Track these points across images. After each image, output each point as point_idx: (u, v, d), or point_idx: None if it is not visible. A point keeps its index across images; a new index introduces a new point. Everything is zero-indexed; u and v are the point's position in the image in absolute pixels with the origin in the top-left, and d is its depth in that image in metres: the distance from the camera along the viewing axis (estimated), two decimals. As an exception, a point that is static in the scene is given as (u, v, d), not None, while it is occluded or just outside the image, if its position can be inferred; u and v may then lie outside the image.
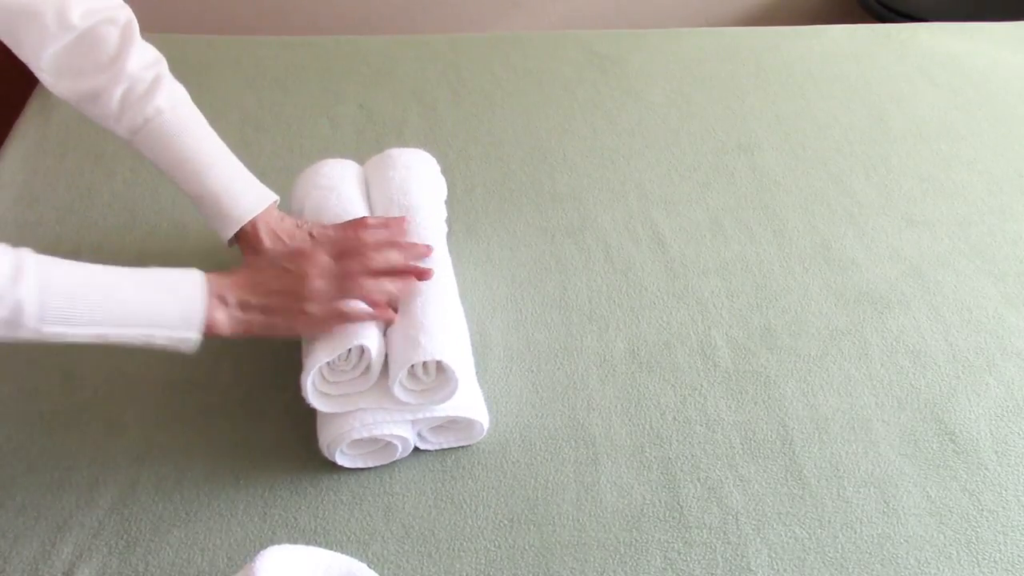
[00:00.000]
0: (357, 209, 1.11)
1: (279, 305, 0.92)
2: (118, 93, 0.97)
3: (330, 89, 1.54)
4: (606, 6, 2.47)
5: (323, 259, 0.95)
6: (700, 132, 1.45)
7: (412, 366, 0.92)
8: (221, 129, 1.43)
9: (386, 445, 0.95)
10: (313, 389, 0.93)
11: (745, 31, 1.73)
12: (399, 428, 0.94)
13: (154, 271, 0.86)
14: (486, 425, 0.98)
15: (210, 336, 0.88)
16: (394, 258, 0.98)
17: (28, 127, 1.43)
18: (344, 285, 0.94)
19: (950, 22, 1.79)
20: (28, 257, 0.78)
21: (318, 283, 0.93)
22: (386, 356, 0.95)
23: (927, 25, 1.78)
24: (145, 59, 0.99)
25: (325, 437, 0.94)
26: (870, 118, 1.49)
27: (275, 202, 1.05)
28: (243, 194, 1.02)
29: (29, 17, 0.94)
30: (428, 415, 0.94)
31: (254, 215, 1.01)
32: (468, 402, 0.96)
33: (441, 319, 0.97)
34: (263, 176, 1.33)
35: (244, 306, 0.90)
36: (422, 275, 0.99)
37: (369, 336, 0.93)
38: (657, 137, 1.44)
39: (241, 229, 1.01)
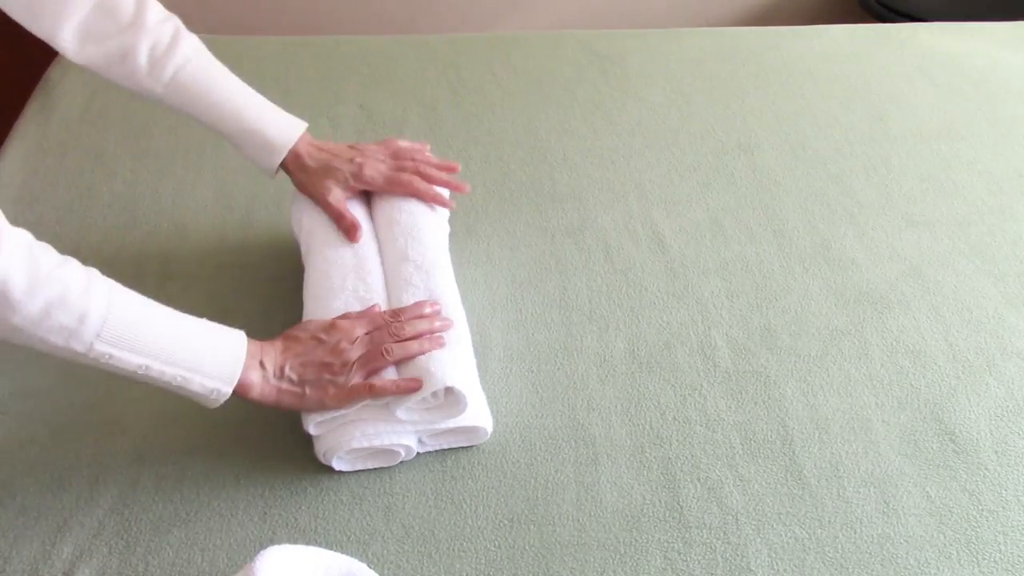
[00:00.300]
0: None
1: (312, 378, 0.92)
2: (144, 49, 1.02)
3: (330, 89, 1.54)
4: (606, 6, 2.47)
5: (356, 331, 0.96)
6: (700, 132, 1.45)
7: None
8: (221, 129, 1.44)
9: (387, 449, 0.95)
10: (311, 420, 0.94)
11: (745, 31, 1.73)
12: (403, 437, 0.94)
13: (204, 321, 0.89)
14: (490, 430, 0.98)
15: (241, 396, 0.90)
16: (422, 327, 0.98)
17: (28, 127, 1.43)
18: (372, 358, 0.94)
19: (950, 22, 1.79)
20: (98, 275, 0.82)
21: (350, 355, 0.94)
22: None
23: (927, 25, 1.78)
24: (160, 14, 1.04)
25: (322, 446, 0.94)
26: (870, 118, 1.49)
27: (306, 128, 1.13)
28: (280, 122, 1.10)
29: None
30: (432, 427, 0.94)
31: (295, 139, 1.10)
32: (472, 410, 0.96)
33: (451, 340, 0.97)
34: (263, 175, 1.34)
35: (279, 375, 0.92)
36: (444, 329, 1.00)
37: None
38: (657, 137, 1.44)
39: (287, 155, 1.10)
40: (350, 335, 0.95)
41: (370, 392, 0.92)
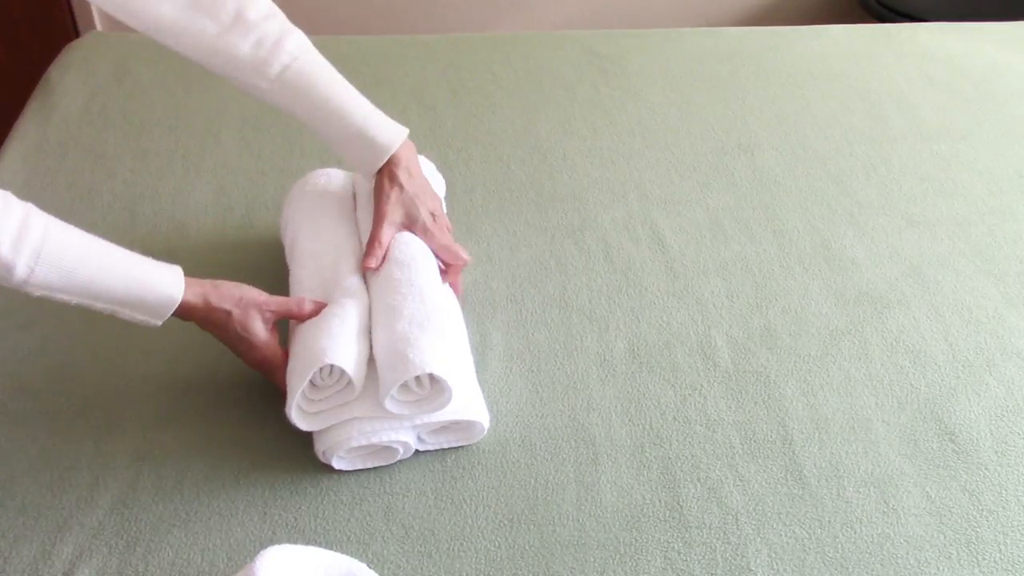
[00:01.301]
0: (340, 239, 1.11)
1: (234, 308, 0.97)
2: (247, 46, 1.00)
3: (330, 89, 1.54)
4: (606, 6, 2.47)
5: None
6: (700, 132, 1.45)
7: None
8: (221, 129, 1.44)
9: (386, 448, 0.95)
10: (299, 412, 0.93)
11: (745, 31, 1.73)
12: (400, 433, 0.94)
13: (137, 263, 0.92)
14: (487, 425, 0.98)
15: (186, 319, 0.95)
16: None
17: (28, 127, 1.43)
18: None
19: (950, 22, 1.79)
20: (34, 223, 0.85)
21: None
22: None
23: (927, 25, 1.78)
24: (263, 9, 1.02)
25: (321, 444, 0.94)
26: (870, 118, 1.49)
27: (408, 133, 1.10)
28: (384, 125, 1.07)
29: None
30: (427, 420, 0.94)
31: (400, 143, 1.07)
32: (468, 404, 0.96)
33: (430, 328, 0.96)
34: (263, 176, 1.34)
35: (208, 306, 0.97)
36: None
37: (341, 354, 0.93)
38: (657, 137, 1.44)
39: (386, 162, 1.07)
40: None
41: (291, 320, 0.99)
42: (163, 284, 0.92)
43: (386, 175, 1.07)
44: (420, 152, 1.15)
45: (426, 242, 1.07)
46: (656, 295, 1.16)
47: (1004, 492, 0.95)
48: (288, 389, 0.94)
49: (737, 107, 1.51)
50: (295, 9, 2.25)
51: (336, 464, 0.94)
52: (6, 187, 1.30)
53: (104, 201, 1.30)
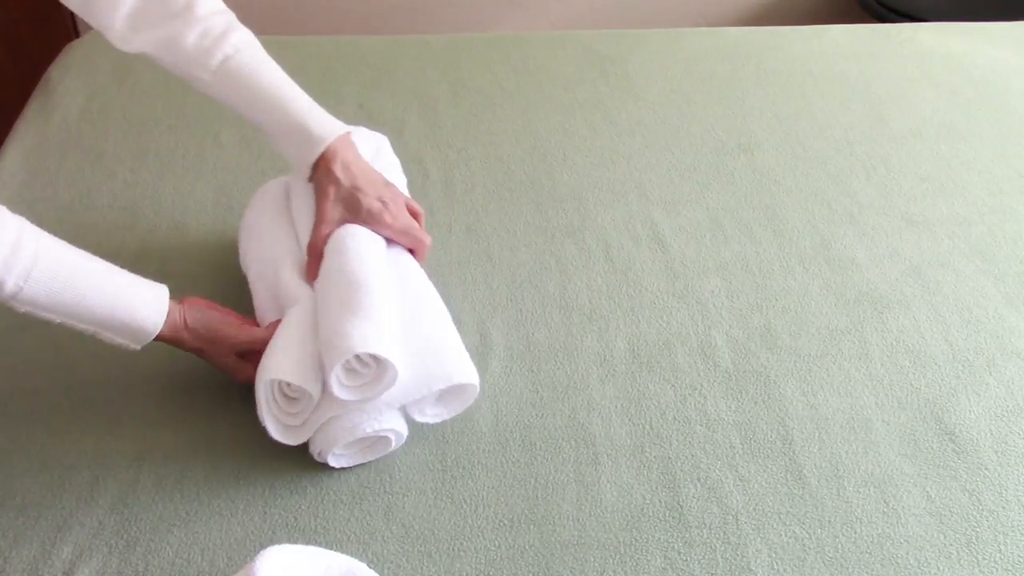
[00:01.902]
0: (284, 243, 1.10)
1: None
2: (192, 36, 1.02)
3: (330, 89, 1.54)
4: (606, 6, 2.47)
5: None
6: (700, 132, 1.45)
7: (348, 361, 0.90)
8: (221, 129, 1.44)
9: (380, 438, 0.95)
10: (285, 430, 0.94)
11: (745, 31, 1.73)
12: (384, 421, 0.93)
13: (124, 286, 0.94)
14: (476, 382, 0.96)
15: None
16: None
17: (28, 127, 1.43)
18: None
19: (950, 22, 1.79)
20: (27, 243, 0.86)
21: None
22: None
23: (927, 25, 1.78)
24: (214, 6, 1.04)
25: (314, 446, 0.94)
26: (870, 118, 1.49)
27: (349, 132, 1.09)
28: (321, 120, 1.07)
29: None
30: (411, 398, 0.93)
31: (336, 136, 1.06)
32: (448, 369, 0.94)
33: (358, 309, 0.94)
34: (263, 176, 1.34)
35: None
36: None
37: (283, 367, 0.92)
38: (657, 137, 1.44)
39: (321, 156, 1.06)
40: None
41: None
42: (143, 315, 0.94)
43: (322, 172, 1.07)
44: (420, 152, 1.15)
45: (376, 231, 1.06)
46: (656, 295, 1.16)
47: (1004, 492, 0.95)
48: (260, 414, 0.94)
49: (737, 107, 1.51)
50: (296, 9, 2.23)
51: (334, 463, 0.94)
52: (6, 187, 1.31)
53: (104, 201, 1.30)
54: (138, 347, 0.95)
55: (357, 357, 0.90)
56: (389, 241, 1.07)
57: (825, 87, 1.56)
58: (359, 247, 1.02)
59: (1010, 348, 1.10)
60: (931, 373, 1.07)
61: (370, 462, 0.96)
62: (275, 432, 0.93)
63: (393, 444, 0.96)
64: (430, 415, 0.97)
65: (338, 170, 1.06)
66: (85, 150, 1.39)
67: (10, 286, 0.85)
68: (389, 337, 0.93)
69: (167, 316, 0.95)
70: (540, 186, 1.34)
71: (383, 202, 1.07)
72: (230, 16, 1.06)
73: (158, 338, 0.95)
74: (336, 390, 0.90)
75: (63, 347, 1.08)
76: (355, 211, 1.06)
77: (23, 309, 0.88)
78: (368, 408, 0.93)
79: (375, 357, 0.91)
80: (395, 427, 0.94)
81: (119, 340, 0.94)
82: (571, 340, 1.10)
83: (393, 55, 1.63)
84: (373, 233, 1.05)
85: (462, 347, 0.99)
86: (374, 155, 1.19)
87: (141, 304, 0.94)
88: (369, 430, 0.93)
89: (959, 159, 1.40)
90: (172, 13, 1.02)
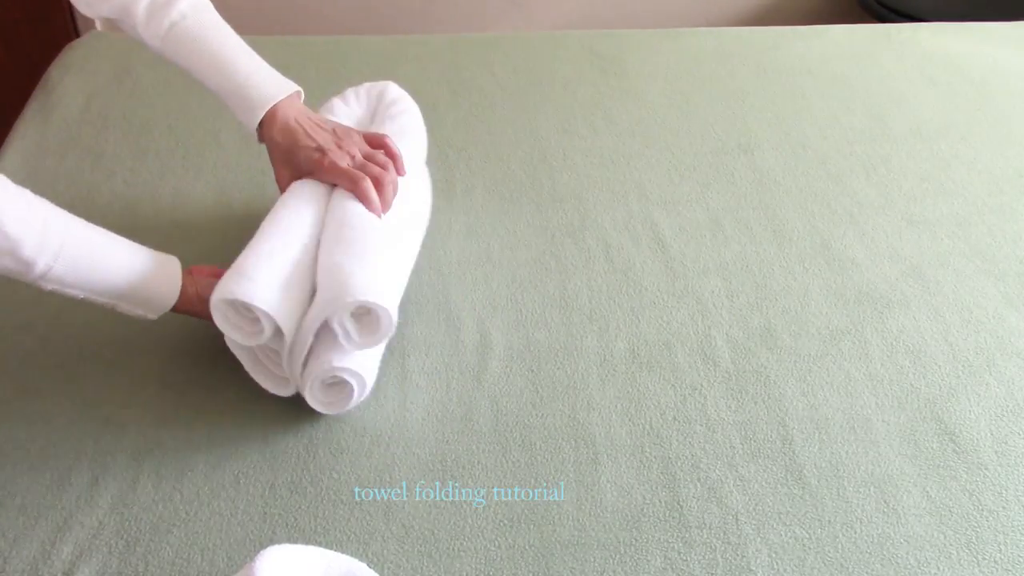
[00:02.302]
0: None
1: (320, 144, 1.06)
2: (144, 3, 1.04)
3: (330, 89, 1.53)
4: (606, 6, 2.47)
5: (359, 137, 1.10)
6: (700, 132, 1.45)
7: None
8: (221, 129, 1.44)
9: (340, 382, 0.98)
10: (274, 380, 1.00)
11: (745, 31, 1.73)
12: (354, 362, 0.96)
13: (143, 260, 0.98)
14: (380, 302, 0.94)
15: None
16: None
17: (28, 127, 1.43)
18: (370, 167, 1.07)
19: (950, 22, 1.79)
20: (54, 222, 0.90)
21: (353, 148, 1.08)
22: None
23: (927, 25, 1.78)
24: None
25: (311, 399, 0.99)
26: (870, 118, 1.49)
27: (298, 92, 1.09)
28: (269, 81, 1.07)
29: None
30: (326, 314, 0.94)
31: (277, 100, 1.06)
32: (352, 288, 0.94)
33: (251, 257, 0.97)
34: (263, 176, 1.34)
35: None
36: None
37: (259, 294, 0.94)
38: (657, 137, 1.44)
39: (265, 117, 1.06)
40: (352, 136, 1.09)
41: (355, 184, 1.03)
42: (160, 286, 0.98)
43: (266, 139, 1.08)
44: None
45: (320, 179, 1.06)
46: (656, 295, 1.16)
47: (1004, 492, 0.95)
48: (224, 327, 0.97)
49: (737, 107, 1.51)
50: (296, 9, 2.23)
51: (318, 406, 0.99)
52: (6, 187, 1.31)
53: (104, 201, 1.30)
54: (155, 317, 0.99)
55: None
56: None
57: (825, 87, 1.56)
58: (284, 200, 1.05)
59: (1010, 348, 1.10)
60: (931, 373, 1.07)
61: (370, 462, 0.96)
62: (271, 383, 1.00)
63: (353, 390, 0.97)
64: (355, 341, 0.96)
65: (277, 134, 1.07)
66: (85, 150, 1.39)
67: (41, 266, 0.89)
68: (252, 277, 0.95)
69: (183, 285, 1.00)
70: (540, 186, 1.34)
71: (322, 150, 1.05)
72: None
73: (175, 309, 1.00)
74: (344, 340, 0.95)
75: (63, 347, 1.08)
76: (297, 168, 1.07)
77: (50, 287, 0.91)
78: (339, 348, 0.95)
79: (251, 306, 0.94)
80: (357, 370, 0.96)
81: (138, 311, 0.98)
82: (571, 340, 1.10)
83: (393, 55, 1.63)
84: (311, 183, 1.07)
85: (377, 270, 0.98)
86: (373, 109, 1.23)
87: (157, 276, 0.98)
88: (338, 364, 0.94)
89: (959, 159, 1.40)
90: None
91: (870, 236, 1.26)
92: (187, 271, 1.02)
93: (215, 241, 1.23)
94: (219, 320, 0.96)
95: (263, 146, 1.10)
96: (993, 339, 1.11)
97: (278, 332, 0.95)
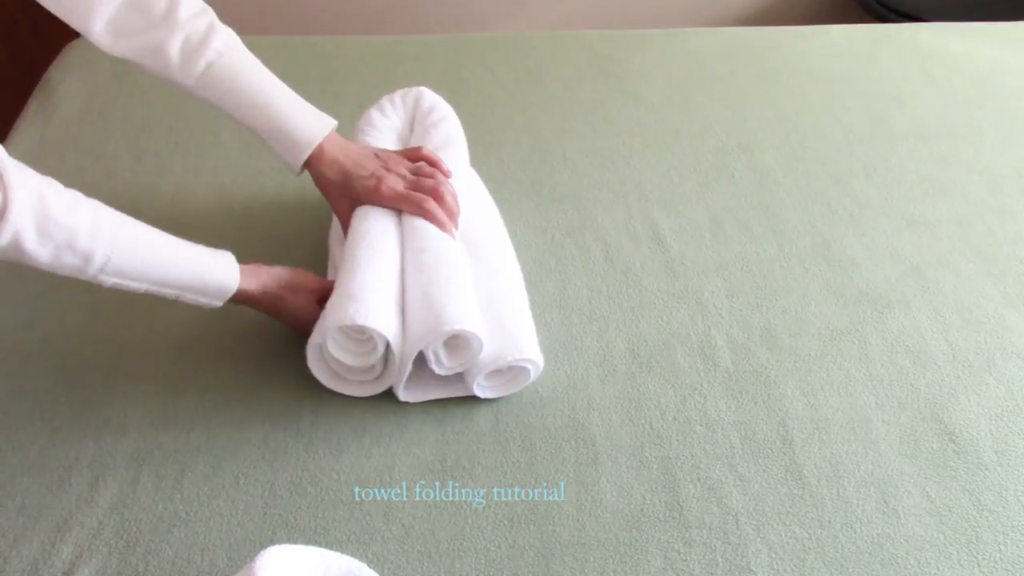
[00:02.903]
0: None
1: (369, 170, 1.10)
2: (176, 44, 1.02)
3: (330, 89, 1.54)
4: (606, 6, 2.47)
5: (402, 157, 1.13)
6: (700, 132, 1.45)
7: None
8: (221, 129, 1.44)
9: (520, 370, 1.01)
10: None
11: (745, 31, 1.73)
12: (528, 351, 1.00)
13: (199, 250, 0.99)
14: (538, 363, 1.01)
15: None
16: (452, 201, 1.12)
17: (28, 127, 1.43)
18: (423, 182, 1.10)
19: (950, 22, 1.79)
20: (105, 213, 0.90)
21: (401, 169, 1.13)
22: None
23: (927, 25, 1.78)
24: (194, 8, 1.04)
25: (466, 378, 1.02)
26: (870, 118, 1.49)
27: (335, 127, 1.12)
28: (309, 120, 1.09)
29: None
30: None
31: (320, 139, 1.09)
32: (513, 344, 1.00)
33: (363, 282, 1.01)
34: (263, 176, 1.34)
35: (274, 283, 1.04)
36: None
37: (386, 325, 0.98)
38: (657, 137, 1.44)
39: (309, 159, 1.09)
40: (396, 157, 1.13)
41: (421, 207, 1.08)
42: (221, 272, 0.99)
43: (316, 176, 1.11)
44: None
45: (383, 206, 1.10)
46: (656, 295, 1.16)
47: (1004, 492, 0.95)
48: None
49: (737, 107, 1.51)
50: (297, 9, 2.23)
51: (479, 393, 1.02)
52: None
53: (104, 201, 1.29)
54: (220, 303, 0.99)
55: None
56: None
57: (825, 87, 1.56)
58: (358, 227, 1.08)
59: (1010, 348, 1.10)
60: (931, 373, 1.07)
61: (370, 462, 0.96)
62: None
63: (532, 375, 1.02)
64: (486, 387, 1.02)
65: (327, 170, 1.09)
66: (85, 150, 1.39)
67: (99, 256, 0.88)
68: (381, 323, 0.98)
69: (243, 274, 1.00)
70: (540, 186, 1.34)
71: (377, 177, 1.09)
72: (210, 16, 1.05)
73: (238, 296, 1.00)
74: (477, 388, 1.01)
75: (63, 347, 1.08)
76: (356, 198, 1.10)
77: (110, 282, 0.91)
78: (510, 339, 1.00)
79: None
80: (534, 358, 1.00)
81: (203, 300, 0.98)
82: (571, 340, 1.10)
83: (393, 55, 1.63)
84: (379, 210, 1.10)
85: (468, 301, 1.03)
86: (411, 118, 1.26)
87: (216, 264, 0.99)
88: (511, 359, 0.98)
89: (959, 159, 1.40)
90: (154, 21, 1.02)
91: (870, 236, 1.26)
92: (256, 266, 1.03)
93: (215, 241, 1.23)
94: (331, 345, 0.98)
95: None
96: (993, 339, 1.11)
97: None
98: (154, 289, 0.94)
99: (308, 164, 1.10)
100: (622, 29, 1.74)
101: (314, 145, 1.08)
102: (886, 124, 1.48)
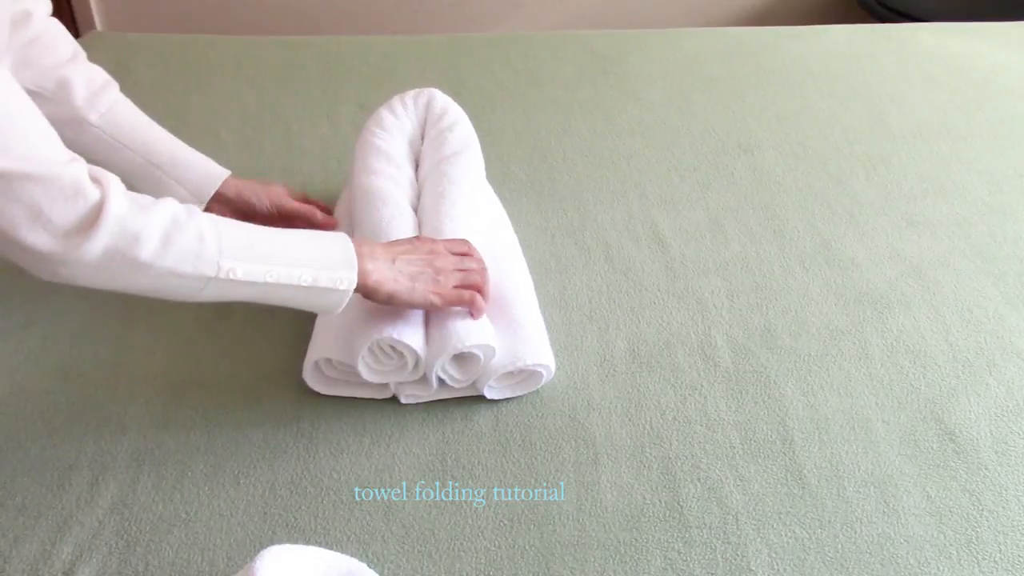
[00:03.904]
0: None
1: (418, 272, 0.97)
2: (82, 81, 1.08)
3: (330, 89, 1.54)
4: (606, 6, 2.47)
5: (440, 248, 1.01)
6: (700, 132, 1.45)
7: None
8: (221, 129, 1.44)
9: (531, 373, 1.02)
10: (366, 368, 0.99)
11: (745, 31, 1.73)
12: (543, 356, 1.01)
13: (302, 230, 0.93)
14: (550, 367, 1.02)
15: (363, 285, 0.92)
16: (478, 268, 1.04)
17: (28, 127, 1.43)
18: (471, 276, 1.00)
19: (950, 22, 1.79)
20: (195, 207, 0.85)
21: (448, 264, 0.99)
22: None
23: (927, 25, 1.79)
24: (82, 52, 1.12)
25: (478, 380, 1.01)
26: (870, 118, 1.49)
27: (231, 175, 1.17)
28: (208, 161, 1.16)
29: None
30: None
31: (222, 179, 1.15)
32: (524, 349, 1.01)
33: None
34: (263, 176, 1.34)
35: (391, 263, 0.95)
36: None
37: (411, 334, 0.98)
38: (657, 137, 1.44)
39: (225, 183, 1.14)
40: (439, 248, 1.01)
41: (471, 302, 0.98)
42: (338, 242, 0.92)
43: (226, 199, 1.15)
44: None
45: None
46: (656, 295, 1.16)
47: (1004, 492, 0.95)
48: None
49: (737, 107, 1.51)
50: (296, 9, 2.23)
51: (489, 394, 1.02)
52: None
53: (104, 201, 1.30)
54: (354, 279, 0.90)
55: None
56: None
57: (825, 87, 1.56)
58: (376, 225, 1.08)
59: (1010, 348, 1.10)
60: (931, 373, 1.07)
61: (370, 462, 0.96)
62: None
63: (544, 378, 1.02)
64: (496, 389, 1.02)
65: (245, 188, 1.16)
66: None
67: (210, 233, 0.83)
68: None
69: (354, 240, 0.93)
70: (540, 186, 1.34)
71: (435, 294, 0.99)
72: (99, 68, 1.13)
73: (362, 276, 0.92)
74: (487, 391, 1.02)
75: (63, 347, 1.08)
76: (404, 301, 0.98)
77: (229, 268, 0.83)
78: (523, 342, 1.00)
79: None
80: (548, 363, 1.01)
81: (338, 275, 0.89)
82: (571, 340, 1.10)
83: (393, 55, 1.63)
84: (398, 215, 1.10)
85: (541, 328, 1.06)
86: (423, 120, 1.27)
87: (329, 237, 0.93)
88: (528, 363, 0.99)
89: (959, 159, 1.40)
90: (59, 60, 1.08)
91: (870, 236, 1.26)
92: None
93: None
94: (361, 366, 0.97)
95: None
96: (993, 339, 1.11)
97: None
98: (282, 271, 0.85)
99: (221, 190, 1.14)
100: (622, 29, 1.74)
101: (227, 173, 1.15)
102: (886, 124, 1.48)
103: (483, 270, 1.02)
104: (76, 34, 2.24)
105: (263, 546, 0.83)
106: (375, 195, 1.12)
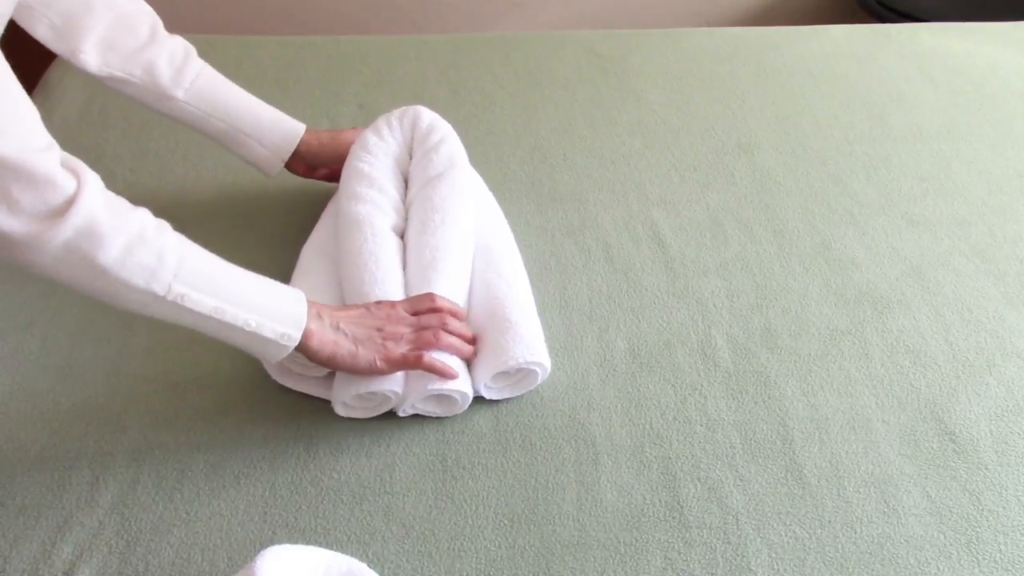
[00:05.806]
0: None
1: (365, 337, 0.96)
2: (165, 59, 1.12)
3: (330, 89, 1.54)
4: (606, 6, 2.47)
5: (403, 309, 1.00)
6: (700, 132, 1.45)
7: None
8: (221, 129, 1.43)
9: (528, 373, 1.02)
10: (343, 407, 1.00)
11: (745, 31, 1.73)
12: (537, 354, 1.01)
13: (262, 277, 0.92)
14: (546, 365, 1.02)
15: (304, 346, 0.91)
16: (461, 327, 1.02)
17: (28, 127, 1.43)
18: (423, 335, 0.98)
19: (950, 22, 1.79)
20: (167, 224, 0.86)
21: (401, 327, 0.98)
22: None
23: (927, 25, 1.79)
24: (162, 27, 1.15)
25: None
26: (870, 118, 1.49)
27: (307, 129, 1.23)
28: (285, 120, 1.22)
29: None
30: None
31: (303, 129, 1.22)
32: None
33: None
34: (262, 175, 1.34)
35: (335, 328, 0.94)
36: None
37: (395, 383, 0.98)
38: (657, 137, 1.44)
39: (302, 140, 1.21)
40: (396, 312, 0.99)
41: (417, 364, 0.96)
42: (291, 296, 0.92)
43: (305, 152, 1.22)
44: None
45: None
46: (656, 295, 1.16)
47: (1004, 492, 0.95)
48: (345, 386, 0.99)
49: (737, 107, 1.51)
50: (296, 9, 2.23)
51: (487, 395, 1.02)
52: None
53: (104, 201, 1.30)
54: (297, 337, 0.90)
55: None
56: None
57: (825, 87, 1.56)
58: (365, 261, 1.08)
59: (1010, 348, 1.10)
60: (931, 373, 1.07)
61: (370, 462, 0.96)
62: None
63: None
64: (494, 390, 1.03)
65: (321, 135, 1.23)
66: (85, 150, 1.39)
67: (171, 255, 0.82)
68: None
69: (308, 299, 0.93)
70: (540, 186, 1.34)
71: (381, 358, 0.98)
72: (179, 37, 1.16)
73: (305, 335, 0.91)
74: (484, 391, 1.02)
75: (63, 347, 1.08)
76: (352, 368, 0.97)
77: (176, 293, 0.82)
78: (519, 340, 1.00)
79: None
80: (543, 361, 1.01)
81: (279, 329, 0.88)
82: (571, 340, 1.10)
83: (393, 55, 1.63)
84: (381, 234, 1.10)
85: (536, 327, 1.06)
86: (408, 140, 1.25)
87: (285, 290, 0.92)
88: (521, 361, 0.99)
89: (959, 159, 1.40)
90: (141, 40, 1.11)
91: (870, 236, 1.26)
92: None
93: (215, 242, 1.23)
94: (343, 410, 0.99)
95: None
96: (993, 339, 1.11)
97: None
98: (229, 310, 0.85)
99: (298, 151, 1.20)
100: (622, 29, 1.74)
101: (303, 129, 1.20)
102: (886, 124, 1.48)
103: (443, 325, 0.99)
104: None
105: (263, 546, 0.83)
106: (354, 221, 1.10)
